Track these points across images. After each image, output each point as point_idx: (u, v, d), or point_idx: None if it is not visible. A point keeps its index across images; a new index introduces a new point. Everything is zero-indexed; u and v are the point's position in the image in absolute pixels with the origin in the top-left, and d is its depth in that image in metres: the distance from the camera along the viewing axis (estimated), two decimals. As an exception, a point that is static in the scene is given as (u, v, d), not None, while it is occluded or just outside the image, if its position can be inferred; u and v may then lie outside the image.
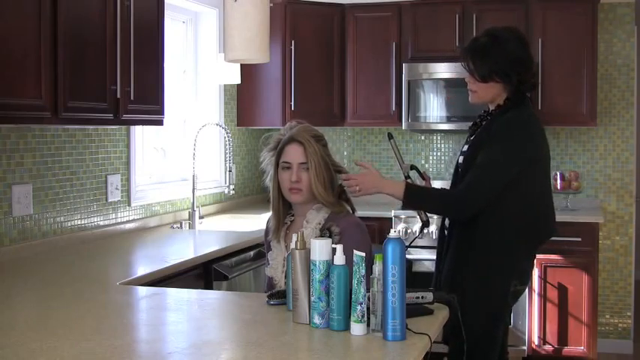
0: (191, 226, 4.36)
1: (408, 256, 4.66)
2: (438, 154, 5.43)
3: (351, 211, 2.58)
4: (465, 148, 2.85)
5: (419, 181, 2.94)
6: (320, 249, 2.00)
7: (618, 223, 5.20)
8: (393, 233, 1.94)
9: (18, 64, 2.69)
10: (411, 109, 5.00)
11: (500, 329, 2.84)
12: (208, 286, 3.37)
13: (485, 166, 2.66)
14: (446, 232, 2.88)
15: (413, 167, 2.92)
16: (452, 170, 3.13)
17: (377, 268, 1.92)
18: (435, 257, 2.98)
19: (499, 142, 2.67)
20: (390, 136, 2.93)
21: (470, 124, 2.97)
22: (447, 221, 2.88)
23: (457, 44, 4.88)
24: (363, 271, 1.94)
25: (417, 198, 2.72)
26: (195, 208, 4.39)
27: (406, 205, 2.72)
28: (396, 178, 5.50)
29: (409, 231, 4.75)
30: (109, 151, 3.84)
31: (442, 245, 2.91)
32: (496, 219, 2.70)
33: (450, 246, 2.81)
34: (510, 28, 2.87)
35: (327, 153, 2.54)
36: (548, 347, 4.65)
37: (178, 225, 4.32)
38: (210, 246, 3.59)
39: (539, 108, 4.78)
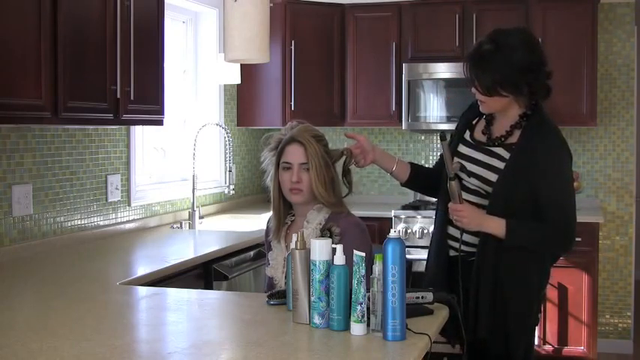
0: (191, 226, 4.36)
1: (408, 256, 4.66)
2: (438, 154, 5.42)
3: (353, 196, 2.59)
4: (482, 156, 2.65)
5: (465, 181, 2.71)
6: (320, 249, 2.00)
7: (618, 223, 5.20)
8: (393, 233, 1.94)
9: (18, 64, 2.69)
10: (411, 109, 5.00)
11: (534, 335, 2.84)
12: (208, 286, 3.37)
13: (567, 204, 2.58)
14: (461, 245, 2.68)
15: (462, 167, 2.71)
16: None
17: (377, 268, 1.92)
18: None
19: (560, 175, 2.57)
20: (444, 137, 2.65)
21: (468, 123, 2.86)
22: (451, 230, 2.70)
23: (457, 44, 4.88)
24: (363, 271, 1.94)
25: (520, 235, 2.58)
26: (195, 208, 4.39)
27: (509, 243, 2.56)
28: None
29: (409, 231, 4.75)
30: (109, 151, 3.84)
31: (444, 250, 2.75)
32: None
33: (482, 263, 2.63)
34: (517, 30, 2.62)
35: (327, 153, 2.54)
36: (548, 347, 4.65)
37: (178, 225, 4.32)
38: (210, 246, 3.59)
39: (539, 108, 4.78)
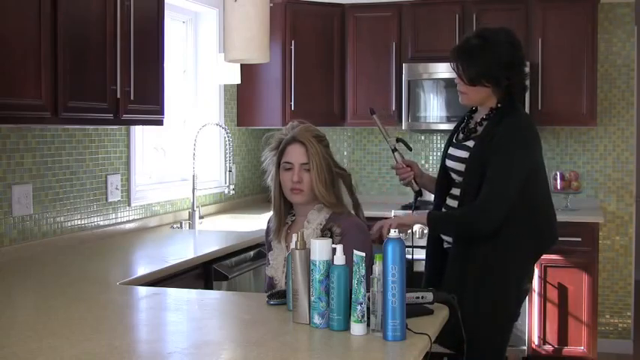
0: (191, 226, 4.36)
1: (408, 256, 4.65)
2: (438, 154, 5.42)
3: (352, 211, 2.59)
4: (456, 152, 2.79)
5: (407, 155, 3.10)
6: (320, 249, 2.00)
7: (618, 223, 5.20)
8: (393, 233, 1.94)
9: (18, 64, 2.69)
10: (411, 109, 5.00)
11: (508, 332, 2.83)
12: (208, 286, 3.37)
13: (498, 179, 2.63)
14: (444, 237, 2.85)
15: (399, 140, 3.03)
16: None
17: (377, 268, 1.92)
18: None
19: (506, 154, 2.63)
20: (372, 112, 3.08)
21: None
22: None
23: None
24: (363, 271, 1.94)
25: (441, 223, 2.78)
26: (195, 208, 4.39)
27: (434, 231, 2.83)
28: (395, 179, 5.51)
29: (409, 231, 4.74)
30: (109, 151, 3.84)
31: (436, 247, 2.89)
32: (500, 228, 2.66)
33: (451, 255, 2.76)
34: (503, 29, 2.79)
35: (328, 153, 2.54)
36: (548, 347, 4.65)
37: (178, 225, 4.32)
38: (210, 246, 3.59)
39: (539, 108, 4.78)
